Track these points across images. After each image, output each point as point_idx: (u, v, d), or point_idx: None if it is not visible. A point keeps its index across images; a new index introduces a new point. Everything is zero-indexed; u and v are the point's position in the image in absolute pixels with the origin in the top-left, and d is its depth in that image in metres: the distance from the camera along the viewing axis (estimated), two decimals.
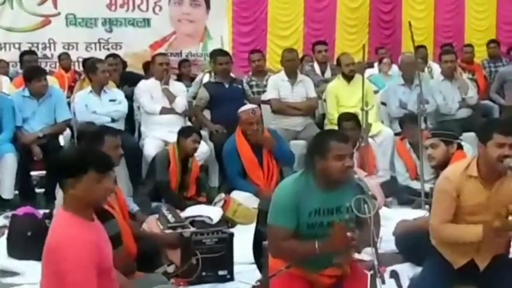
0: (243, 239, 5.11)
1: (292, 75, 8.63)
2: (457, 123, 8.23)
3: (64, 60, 11.51)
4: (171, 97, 8.13)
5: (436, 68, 10.75)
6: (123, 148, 5.23)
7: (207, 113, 8.49)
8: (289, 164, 7.35)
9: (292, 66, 8.72)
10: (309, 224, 3.83)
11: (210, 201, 6.87)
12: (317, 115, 9.13)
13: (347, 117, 7.46)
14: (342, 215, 3.77)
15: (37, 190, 7.36)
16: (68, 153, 3.42)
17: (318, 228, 3.84)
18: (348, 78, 8.61)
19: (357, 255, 4.54)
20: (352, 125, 7.31)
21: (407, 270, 5.02)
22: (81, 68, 10.41)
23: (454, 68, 9.09)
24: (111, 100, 7.95)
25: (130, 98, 8.40)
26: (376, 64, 12.31)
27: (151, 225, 5.72)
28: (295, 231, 3.83)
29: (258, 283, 4.70)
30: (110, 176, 3.33)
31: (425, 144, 5.64)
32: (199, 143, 7.12)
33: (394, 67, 11.41)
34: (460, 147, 5.63)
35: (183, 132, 7.11)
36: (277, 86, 8.57)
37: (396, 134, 8.17)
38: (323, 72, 10.03)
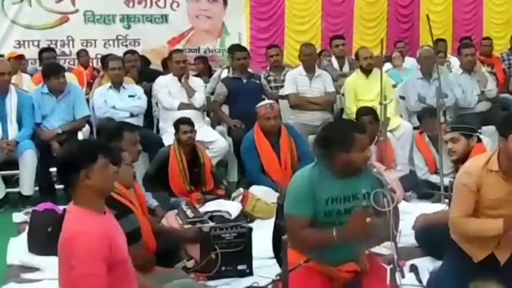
0: (262, 233, 5.11)
1: (310, 70, 8.62)
2: (476, 117, 8.20)
3: (82, 57, 11.54)
4: (190, 91, 8.15)
5: (454, 61, 10.68)
6: (147, 143, 5.23)
7: (225, 109, 8.51)
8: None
9: (310, 60, 8.71)
10: (326, 211, 3.84)
11: (228, 196, 6.88)
12: (335, 110, 9.10)
13: (365, 112, 7.45)
14: (358, 201, 3.77)
15: (57, 186, 7.38)
16: (73, 148, 3.40)
17: (336, 215, 3.85)
18: (366, 72, 8.59)
19: (376, 249, 4.54)
20: (370, 119, 7.29)
21: (427, 264, 5.00)
22: (100, 65, 10.46)
23: (474, 61, 9.04)
24: (130, 96, 8.03)
25: (148, 94, 8.43)
26: None
27: (171, 220, 5.75)
28: (313, 220, 3.84)
29: (278, 277, 4.70)
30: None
31: (445, 138, 5.61)
32: (191, 131, 7.03)
33: (409, 60, 11.33)
34: (479, 140, 5.61)
35: (174, 128, 7.09)
36: (295, 80, 8.57)
37: (415, 128, 8.14)
38: (341, 67, 10.00)
